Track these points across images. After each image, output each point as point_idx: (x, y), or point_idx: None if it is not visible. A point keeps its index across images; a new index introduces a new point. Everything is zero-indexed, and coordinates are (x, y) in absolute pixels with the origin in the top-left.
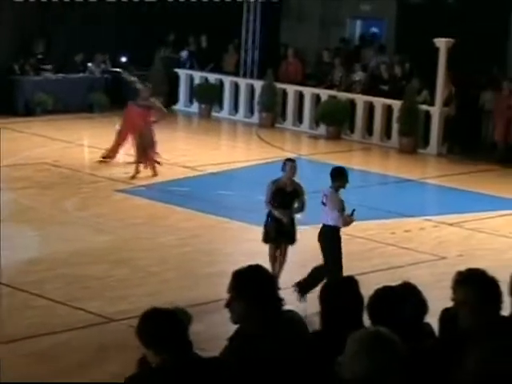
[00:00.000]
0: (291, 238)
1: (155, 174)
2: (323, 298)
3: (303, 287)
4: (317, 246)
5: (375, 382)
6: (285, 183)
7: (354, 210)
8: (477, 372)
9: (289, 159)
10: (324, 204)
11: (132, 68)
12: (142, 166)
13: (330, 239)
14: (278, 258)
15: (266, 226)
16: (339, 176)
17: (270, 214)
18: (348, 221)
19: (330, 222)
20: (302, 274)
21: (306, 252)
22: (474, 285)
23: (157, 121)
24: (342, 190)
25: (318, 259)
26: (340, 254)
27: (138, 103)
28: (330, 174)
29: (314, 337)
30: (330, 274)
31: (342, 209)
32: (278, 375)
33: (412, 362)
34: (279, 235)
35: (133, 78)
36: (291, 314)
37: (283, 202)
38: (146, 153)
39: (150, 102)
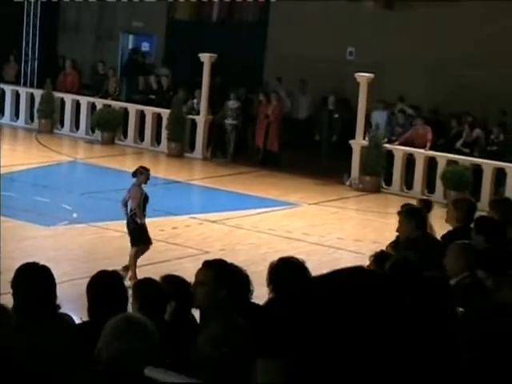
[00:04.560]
0: (147, 239)
1: None
2: (88, 290)
3: None
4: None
5: (127, 363)
6: (142, 189)
7: None
8: (208, 348)
9: (143, 167)
10: None
11: None
12: None
13: None
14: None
15: (135, 230)
16: None
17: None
18: None
19: None
20: (85, 267)
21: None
22: (214, 269)
23: None
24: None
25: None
26: None
27: None
28: None
29: (81, 327)
30: None
31: None
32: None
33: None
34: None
35: None
36: (65, 315)
37: (144, 206)
38: None
39: None
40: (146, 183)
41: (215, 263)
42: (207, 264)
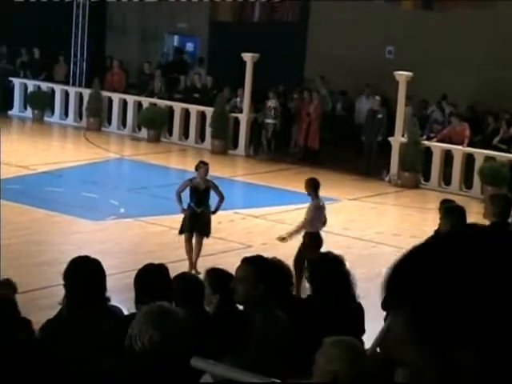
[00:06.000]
0: (206, 230)
1: None
2: (136, 282)
3: None
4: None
5: (162, 351)
6: (198, 182)
7: None
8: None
9: (202, 162)
10: None
11: None
12: None
13: None
14: (193, 246)
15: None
16: None
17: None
18: None
19: None
20: (131, 260)
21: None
22: (253, 265)
23: None
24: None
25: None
26: None
27: None
28: None
29: (129, 318)
30: None
31: None
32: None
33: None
34: (194, 226)
35: None
36: (113, 306)
37: (198, 198)
38: None
39: None
40: (205, 176)
41: (254, 259)
42: (246, 260)
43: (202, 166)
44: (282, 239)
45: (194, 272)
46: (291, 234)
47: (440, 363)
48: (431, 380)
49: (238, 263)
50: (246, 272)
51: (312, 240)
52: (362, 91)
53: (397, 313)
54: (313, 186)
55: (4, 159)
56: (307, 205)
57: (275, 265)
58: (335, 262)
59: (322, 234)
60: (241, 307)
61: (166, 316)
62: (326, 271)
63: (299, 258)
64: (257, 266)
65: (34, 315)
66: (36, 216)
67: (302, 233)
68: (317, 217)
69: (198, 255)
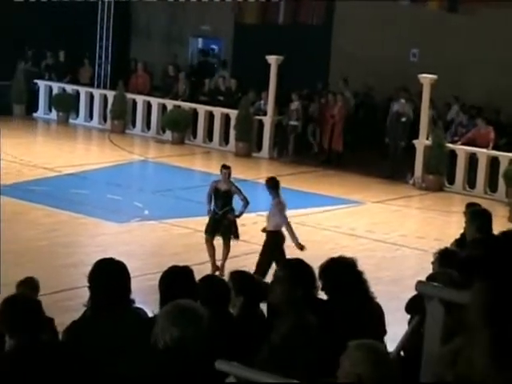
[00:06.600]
0: (229, 232)
1: None
2: (161, 284)
3: None
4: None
5: (184, 349)
6: (221, 184)
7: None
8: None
9: (224, 166)
10: None
11: None
12: None
13: None
14: (215, 248)
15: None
16: None
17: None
18: None
19: None
20: (155, 262)
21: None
22: (292, 267)
23: None
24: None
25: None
26: None
27: None
28: None
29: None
30: None
31: None
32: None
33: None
34: (216, 228)
35: None
36: (138, 309)
37: (220, 201)
38: None
39: None
40: (228, 179)
41: (294, 262)
42: (286, 262)
43: (223, 170)
44: (302, 247)
45: (217, 274)
46: (295, 239)
47: (494, 344)
48: (482, 351)
49: None
50: (285, 273)
51: (276, 239)
52: (391, 94)
53: (480, 287)
54: (273, 185)
55: (30, 161)
56: (330, 207)
57: (309, 268)
58: (347, 265)
59: (346, 236)
60: (264, 310)
61: (185, 313)
62: (340, 275)
63: (267, 257)
64: (295, 268)
65: (59, 317)
66: (62, 218)
67: (265, 232)
68: (283, 214)
69: (225, 258)
